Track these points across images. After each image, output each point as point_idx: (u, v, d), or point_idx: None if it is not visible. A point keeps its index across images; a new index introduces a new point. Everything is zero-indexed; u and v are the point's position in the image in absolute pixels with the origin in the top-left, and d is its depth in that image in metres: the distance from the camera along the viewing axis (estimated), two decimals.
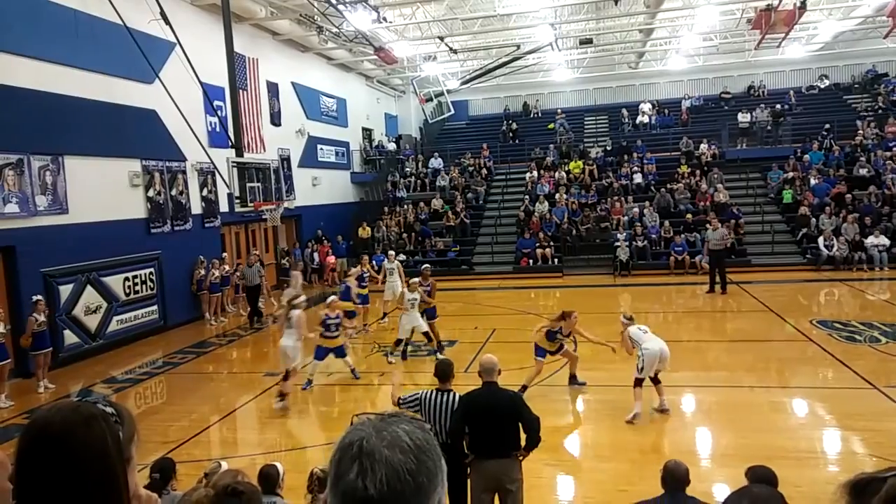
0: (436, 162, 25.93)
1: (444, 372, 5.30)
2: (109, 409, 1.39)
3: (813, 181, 20.47)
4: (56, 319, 11.50)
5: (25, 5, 11.26)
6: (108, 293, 12.92)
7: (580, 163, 24.08)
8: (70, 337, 11.97)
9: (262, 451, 7.65)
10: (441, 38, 20.96)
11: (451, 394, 5.18)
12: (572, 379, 9.05)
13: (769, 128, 24.82)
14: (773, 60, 27.22)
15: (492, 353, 5.55)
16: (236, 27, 15.24)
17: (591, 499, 6.26)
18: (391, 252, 15.39)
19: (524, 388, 8.52)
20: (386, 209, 23.44)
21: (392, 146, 28.34)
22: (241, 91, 15.91)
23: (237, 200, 13.78)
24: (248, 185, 13.94)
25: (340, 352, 9.98)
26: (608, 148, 25.92)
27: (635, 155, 23.91)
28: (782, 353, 10.63)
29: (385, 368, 10.75)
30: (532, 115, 30.98)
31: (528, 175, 23.81)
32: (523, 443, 4.86)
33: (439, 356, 10.93)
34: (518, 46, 23.19)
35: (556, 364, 9.43)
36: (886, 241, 17.71)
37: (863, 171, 20.55)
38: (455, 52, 22.74)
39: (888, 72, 27.29)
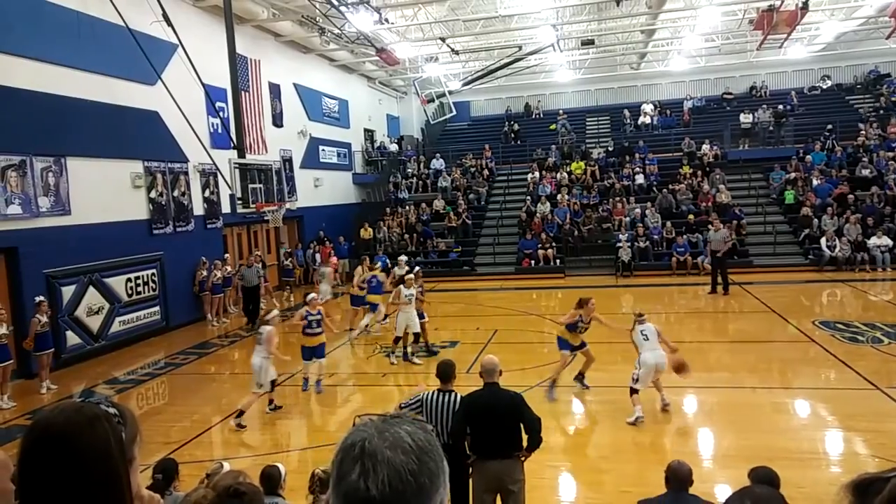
0: (437, 163, 25.92)
1: (445, 373, 5.31)
2: (112, 410, 1.39)
3: (815, 182, 20.45)
4: (58, 320, 11.53)
5: (27, 6, 11.28)
6: (111, 294, 12.94)
7: (582, 163, 24.08)
8: (72, 338, 11.99)
9: (263, 451, 7.65)
10: (443, 40, 20.97)
11: (453, 394, 5.19)
12: (580, 377, 9.03)
13: (771, 128, 24.80)
14: (775, 61, 27.19)
15: (493, 353, 5.56)
16: (238, 28, 15.27)
17: (592, 499, 6.26)
18: (402, 258, 14.97)
19: (553, 381, 8.73)
20: (388, 210, 23.44)
21: (394, 147, 28.36)
22: (243, 92, 15.94)
23: (239, 201, 13.83)
24: (250, 186, 13.99)
25: (320, 352, 9.70)
26: (610, 148, 25.91)
27: (637, 156, 23.88)
28: (784, 353, 10.61)
29: (387, 369, 10.76)
30: (534, 116, 30.98)
31: (529, 176, 23.81)
32: (525, 443, 4.86)
33: (423, 355, 11.02)
34: (520, 47, 23.17)
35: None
36: (889, 242, 17.69)
37: (865, 172, 20.53)
38: (457, 53, 22.76)
39: (890, 72, 27.22)
